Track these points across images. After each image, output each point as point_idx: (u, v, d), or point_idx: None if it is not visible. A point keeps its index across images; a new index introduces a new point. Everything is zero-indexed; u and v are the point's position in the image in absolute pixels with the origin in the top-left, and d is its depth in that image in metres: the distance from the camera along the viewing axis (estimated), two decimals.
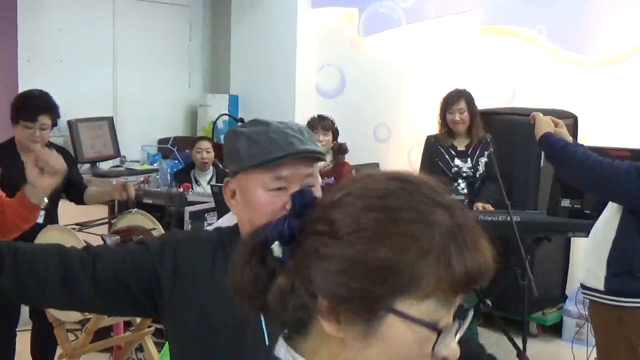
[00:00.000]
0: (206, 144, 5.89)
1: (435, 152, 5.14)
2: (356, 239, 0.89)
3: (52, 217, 4.27)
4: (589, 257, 3.47)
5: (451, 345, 0.93)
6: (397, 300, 0.89)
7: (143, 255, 1.78)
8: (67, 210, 4.56)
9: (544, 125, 3.46)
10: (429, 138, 5.25)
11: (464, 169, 5.07)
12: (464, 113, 5.04)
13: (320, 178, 1.83)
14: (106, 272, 1.73)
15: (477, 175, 5.07)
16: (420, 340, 0.90)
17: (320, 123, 5.49)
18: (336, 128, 5.54)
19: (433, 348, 0.90)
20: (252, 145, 1.74)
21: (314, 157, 1.76)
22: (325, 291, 0.90)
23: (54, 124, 4.24)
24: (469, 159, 5.08)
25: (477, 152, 5.05)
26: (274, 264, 0.94)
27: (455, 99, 5.06)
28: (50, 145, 4.33)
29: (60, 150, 4.57)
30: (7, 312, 4.12)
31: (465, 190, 5.05)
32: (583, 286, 3.48)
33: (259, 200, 1.74)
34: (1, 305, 4.05)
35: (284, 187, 1.73)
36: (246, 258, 0.97)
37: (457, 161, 5.08)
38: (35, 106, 4.08)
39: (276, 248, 0.94)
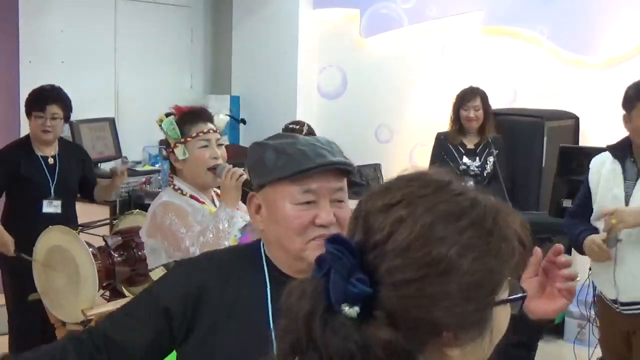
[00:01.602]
0: None
1: (444, 149, 5.14)
2: (469, 264, 0.90)
3: (69, 212, 4.39)
4: (624, 277, 3.37)
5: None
6: (500, 294, 0.95)
7: (150, 306, 1.71)
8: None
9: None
10: (439, 135, 5.25)
11: (472, 168, 5.07)
12: (478, 110, 5.05)
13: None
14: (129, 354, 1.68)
15: (485, 174, 5.07)
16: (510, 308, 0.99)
17: None
18: (308, 132, 5.45)
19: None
20: (280, 157, 1.67)
21: (344, 171, 1.70)
22: (451, 324, 0.90)
23: (67, 117, 4.42)
24: (477, 158, 5.08)
25: (486, 151, 5.04)
26: (352, 326, 0.88)
27: (471, 96, 5.07)
28: (63, 141, 4.50)
29: (74, 146, 4.76)
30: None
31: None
32: (628, 304, 3.41)
33: (286, 214, 1.66)
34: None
35: (313, 200, 1.66)
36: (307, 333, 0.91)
37: (465, 159, 5.08)
38: (44, 96, 4.29)
39: (349, 310, 0.89)
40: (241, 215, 2.68)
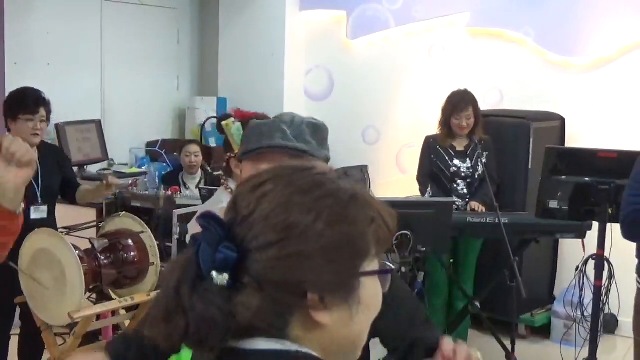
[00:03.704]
0: (194, 148, 5.87)
1: (434, 152, 5.14)
2: (325, 227, 0.97)
3: (53, 217, 4.29)
4: None
5: None
6: (364, 264, 1.01)
7: None
8: (56, 214, 4.55)
9: None
10: (427, 138, 5.24)
11: (463, 169, 5.07)
12: (470, 119, 5.02)
13: None
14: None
15: (476, 176, 5.07)
16: (380, 286, 1.06)
17: None
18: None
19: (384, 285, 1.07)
20: (247, 136, 1.81)
21: (299, 153, 1.78)
22: (313, 285, 0.96)
23: (49, 120, 4.26)
24: (467, 160, 5.08)
25: (477, 153, 5.04)
26: (218, 292, 0.95)
27: (464, 105, 4.99)
28: (43, 144, 4.35)
29: (53, 148, 4.60)
30: (1, 317, 4.12)
31: (465, 191, 5.05)
32: None
33: None
34: None
35: None
36: (175, 300, 0.96)
37: (456, 161, 5.08)
38: (35, 98, 4.12)
39: (217, 277, 0.95)
40: None
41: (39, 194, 4.19)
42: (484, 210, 4.88)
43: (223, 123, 2.85)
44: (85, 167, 6.09)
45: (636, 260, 3.46)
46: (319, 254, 0.96)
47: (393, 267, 1.08)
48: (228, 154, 2.86)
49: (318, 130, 1.85)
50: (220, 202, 2.90)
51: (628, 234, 3.35)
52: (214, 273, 0.95)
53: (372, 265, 1.03)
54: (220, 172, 6.20)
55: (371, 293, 1.03)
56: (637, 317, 3.54)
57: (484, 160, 4.99)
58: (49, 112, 4.21)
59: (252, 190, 1.02)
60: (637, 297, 3.50)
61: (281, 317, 0.97)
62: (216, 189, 4.60)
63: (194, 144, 5.97)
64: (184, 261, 0.98)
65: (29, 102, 4.11)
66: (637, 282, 3.47)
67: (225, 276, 0.95)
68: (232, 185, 2.87)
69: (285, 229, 0.96)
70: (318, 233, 0.96)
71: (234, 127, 2.80)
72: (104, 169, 6.24)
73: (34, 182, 4.17)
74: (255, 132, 1.80)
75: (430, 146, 5.18)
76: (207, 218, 0.97)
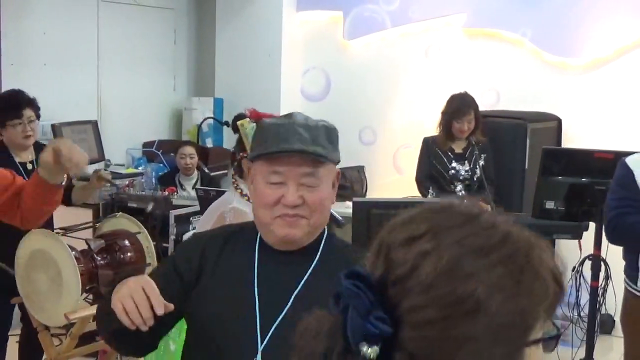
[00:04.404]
0: (189, 150, 5.87)
1: (432, 154, 5.12)
2: (499, 304, 0.82)
3: (50, 217, 4.24)
4: None
5: None
6: (532, 334, 0.88)
7: (168, 272, 1.87)
8: (53, 214, 4.53)
9: None
10: (426, 140, 5.22)
11: (462, 172, 5.06)
12: (471, 122, 5.02)
13: (328, 182, 1.80)
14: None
15: (475, 179, 5.07)
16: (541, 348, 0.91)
17: None
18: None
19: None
20: (263, 136, 1.78)
21: (315, 158, 1.75)
22: None
23: (38, 117, 4.20)
24: (466, 162, 5.07)
25: (475, 155, 5.03)
26: None
27: (466, 109, 4.99)
28: (37, 144, 4.30)
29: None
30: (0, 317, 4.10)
31: (464, 193, 5.05)
32: None
33: (260, 191, 1.79)
34: None
35: (282, 182, 1.75)
36: None
37: (455, 164, 5.07)
38: (16, 102, 4.06)
39: (367, 350, 0.83)
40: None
41: None
42: (489, 209, 4.89)
43: (238, 123, 2.83)
44: None
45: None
46: (488, 334, 0.82)
47: (560, 329, 0.95)
48: (240, 154, 2.85)
49: (331, 133, 1.84)
50: (230, 202, 2.89)
51: (612, 238, 3.42)
52: (363, 345, 0.82)
53: (539, 330, 0.89)
54: (218, 173, 6.20)
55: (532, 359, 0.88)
56: (624, 316, 3.58)
57: (482, 163, 4.99)
58: (37, 109, 4.14)
59: (407, 243, 0.86)
60: (624, 296, 3.54)
61: None
62: (214, 190, 4.60)
63: (189, 146, 5.96)
64: (328, 328, 0.87)
65: (11, 107, 4.04)
66: (625, 282, 3.50)
67: (376, 349, 0.82)
68: (243, 185, 2.85)
69: (451, 305, 0.82)
70: (491, 311, 0.81)
71: (249, 127, 2.79)
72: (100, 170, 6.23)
73: None
74: (271, 133, 1.75)
75: (428, 147, 5.17)
76: (356, 278, 0.84)
